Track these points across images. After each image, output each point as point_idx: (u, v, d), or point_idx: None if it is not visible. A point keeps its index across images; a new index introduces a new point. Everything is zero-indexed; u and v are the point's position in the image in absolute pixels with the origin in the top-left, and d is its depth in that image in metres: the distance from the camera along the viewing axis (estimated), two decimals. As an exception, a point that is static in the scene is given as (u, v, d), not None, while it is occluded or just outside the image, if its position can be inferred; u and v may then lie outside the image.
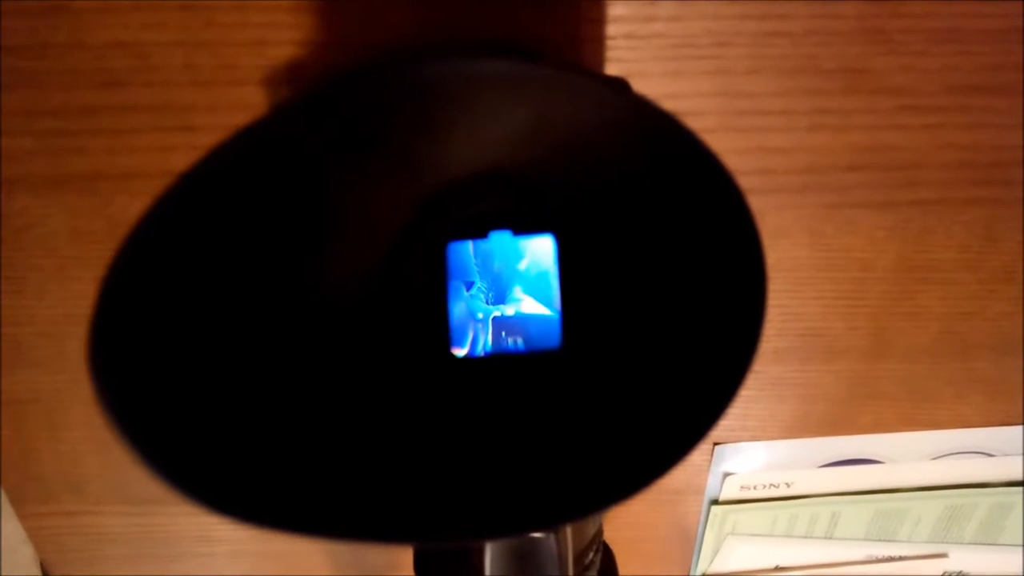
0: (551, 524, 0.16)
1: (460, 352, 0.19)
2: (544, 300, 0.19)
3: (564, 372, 0.18)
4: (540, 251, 0.19)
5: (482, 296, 0.20)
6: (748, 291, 0.14)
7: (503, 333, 0.20)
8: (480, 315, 0.20)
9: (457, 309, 0.19)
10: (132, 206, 0.24)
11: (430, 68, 0.14)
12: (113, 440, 0.13)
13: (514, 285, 0.20)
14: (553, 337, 0.19)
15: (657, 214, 0.16)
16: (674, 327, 0.16)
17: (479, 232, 0.19)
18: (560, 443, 0.16)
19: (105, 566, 0.33)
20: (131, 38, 0.21)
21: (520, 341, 0.20)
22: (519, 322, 0.20)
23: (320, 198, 0.17)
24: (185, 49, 0.22)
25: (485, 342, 0.20)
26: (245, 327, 0.16)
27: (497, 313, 0.20)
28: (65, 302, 0.26)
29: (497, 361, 0.19)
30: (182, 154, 0.23)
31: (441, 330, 0.18)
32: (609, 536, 0.23)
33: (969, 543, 0.36)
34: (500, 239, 0.19)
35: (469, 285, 0.20)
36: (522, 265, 0.20)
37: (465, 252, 0.20)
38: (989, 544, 0.36)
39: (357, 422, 0.17)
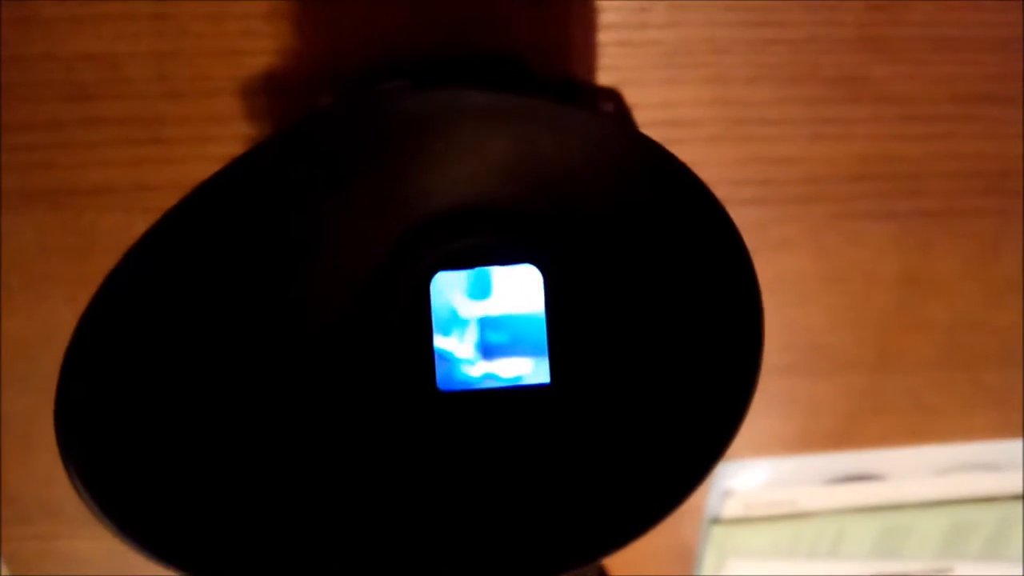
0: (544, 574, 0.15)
1: (446, 385, 0.19)
2: (533, 336, 0.19)
3: (554, 411, 0.18)
4: (527, 285, 0.19)
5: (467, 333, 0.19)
6: (744, 322, 0.14)
7: (487, 332, 0.19)
8: (464, 334, 0.19)
9: (441, 340, 0.19)
10: (103, 221, 0.23)
11: (412, 101, 0.14)
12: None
13: (497, 315, 0.19)
14: (542, 374, 0.18)
15: (647, 246, 0.16)
16: (669, 363, 0.16)
17: (463, 266, 0.19)
18: (551, 486, 0.16)
19: (83, 591, 0.32)
20: (102, 49, 0.21)
21: (508, 345, 0.19)
22: (505, 323, 0.19)
23: (299, 233, 0.16)
24: (158, 60, 0.21)
25: (470, 349, 0.19)
26: (220, 367, 0.16)
27: (481, 313, 0.19)
28: (35, 321, 0.25)
29: (485, 398, 0.18)
30: (154, 167, 0.22)
31: (425, 366, 0.18)
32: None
33: (975, 558, 0.35)
34: (484, 274, 0.19)
35: (453, 320, 0.19)
36: (506, 299, 0.19)
37: (449, 287, 0.19)
38: (995, 559, 0.35)
39: (338, 464, 0.16)
